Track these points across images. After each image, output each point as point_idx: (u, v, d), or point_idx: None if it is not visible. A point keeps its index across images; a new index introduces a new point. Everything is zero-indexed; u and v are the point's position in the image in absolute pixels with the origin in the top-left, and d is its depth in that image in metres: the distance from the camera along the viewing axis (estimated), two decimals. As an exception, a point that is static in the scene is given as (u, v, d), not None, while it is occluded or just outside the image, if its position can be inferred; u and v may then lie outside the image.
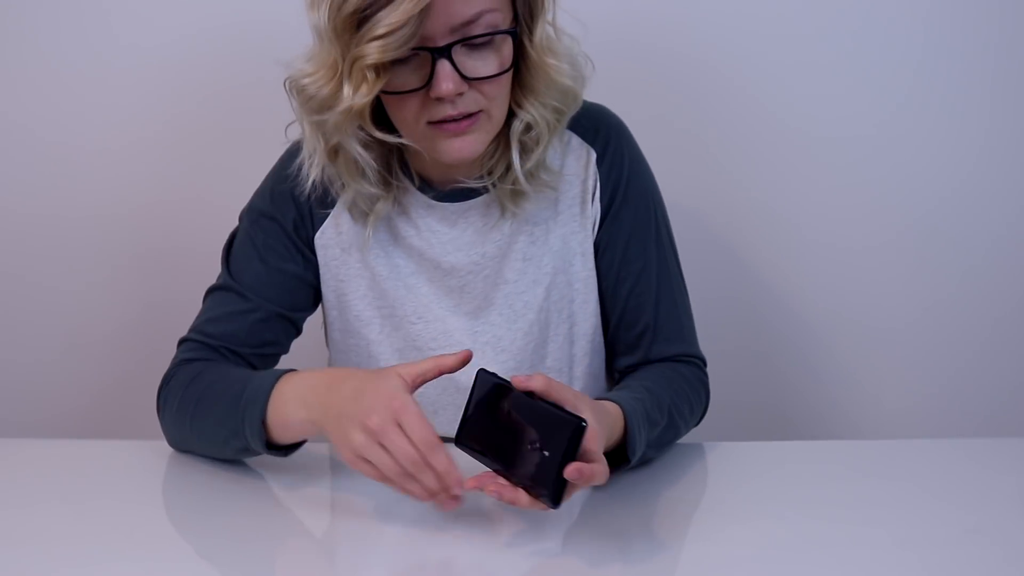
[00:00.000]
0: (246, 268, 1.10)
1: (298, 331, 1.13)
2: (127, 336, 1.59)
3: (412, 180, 1.08)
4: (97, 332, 1.59)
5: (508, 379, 0.87)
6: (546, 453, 0.82)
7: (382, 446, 0.83)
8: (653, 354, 1.10)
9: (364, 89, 0.93)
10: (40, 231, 1.56)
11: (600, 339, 1.14)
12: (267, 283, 1.09)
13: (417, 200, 1.09)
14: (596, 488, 1.00)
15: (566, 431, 0.81)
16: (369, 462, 0.84)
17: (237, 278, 1.10)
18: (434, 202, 1.09)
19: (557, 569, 0.85)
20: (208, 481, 1.02)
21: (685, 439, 1.09)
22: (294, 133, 1.07)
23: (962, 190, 1.48)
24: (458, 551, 0.87)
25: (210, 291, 1.12)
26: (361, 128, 0.99)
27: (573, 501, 0.97)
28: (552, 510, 0.82)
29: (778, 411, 1.56)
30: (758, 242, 1.52)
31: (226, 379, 1.01)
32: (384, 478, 0.85)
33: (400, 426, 0.83)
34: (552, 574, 0.84)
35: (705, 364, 1.13)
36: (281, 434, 0.96)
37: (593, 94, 1.08)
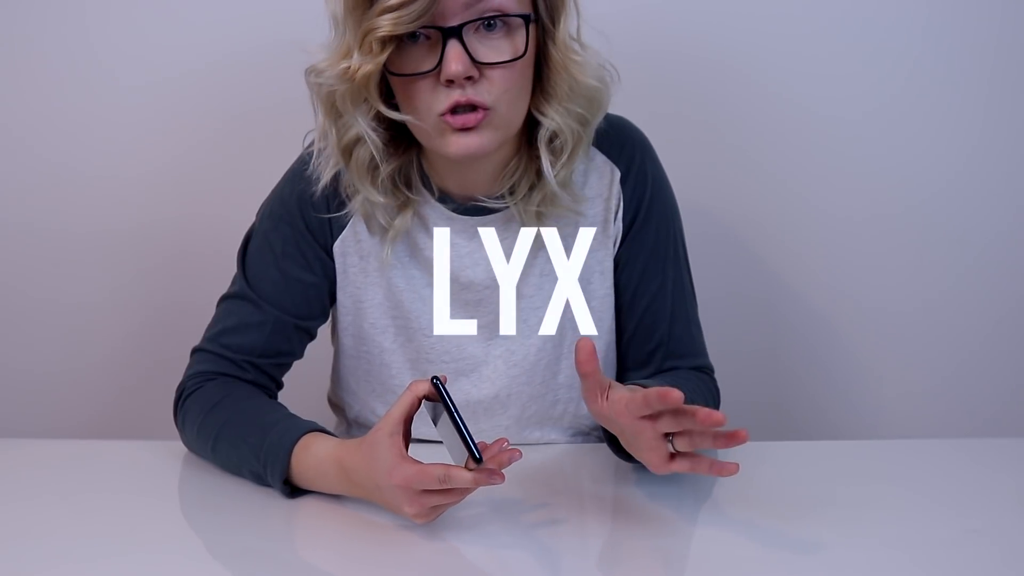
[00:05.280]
0: (263, 276, 1.09)
1: (312, 337, 1.13)
2: (130, 340, 1.59)
3: (432, 192, 1.07)
4: (101, 337, 1.58)
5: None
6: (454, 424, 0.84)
7: (430, 508, 0.88)
8: (665, 368, 1.11)
9: (372, 57, 0.93)
10: (47, 236, 1.56)
11: (613, 357, 1.13)
12: (284, 293, 1.08)
13: (436, 212, 1.07)
14: (594, 488, 1.01)
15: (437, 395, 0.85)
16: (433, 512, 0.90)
17: (254, 286, 1.09)
18: (454, 215, 1.07)
19: (558, 568, 0.85)
20: (208, 480, 1.02)
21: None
22: (311, 138, 1.07)
23: (965, 187, 1.48)
24: (461, 549, 0.87)
25: (225, 298, 1.11)
26: (371, 111, 0.98)
27: (574, 501, 0.97)
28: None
29: (777, 410, 1.56)
30: (758, 241, 1.52)
31: (243, 421, 1.02)
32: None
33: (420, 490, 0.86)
34: (552, 571, 0.84)
35: (713, 372, 1.14)
36: (307, 486, 0.98)
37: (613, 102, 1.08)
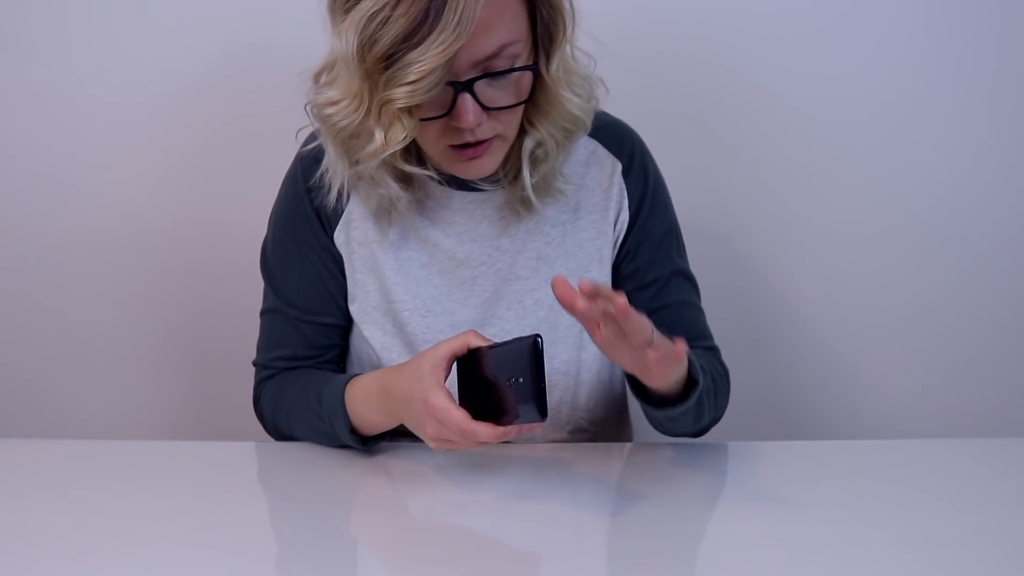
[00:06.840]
0: (287, 286, 1.14)
1: (351, 322, 1.15)
2: (130, 341, 1.59)
3: (428, 170, 1.08)
4: (101, 338, 1.59)
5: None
6: (520, 380, 0.88)
7: (445, 439, 0.94)
8: None
9: (398, 130, 0.94)
10: (48, 240, 1.56)
11: None
12: (311, 298, 1.13)
13: (434, 189, 1.09)
14: (592, 487, 1.01)
15: (525, 352, 0.88)
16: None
17: (282, 297, 1.14)
18: (452, 190, 1.09)
19: (555, 567, 0.85)
20: (207, 479, 1.02)
21: (680, 439, 1.09)
22: (304, 134, 1.08)
23: (963, 187, 1.48)
24: (456, 547, 0.87)
25: (263, 313, 1.17)
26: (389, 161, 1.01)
27: (571, 500, 0.97)
28: (541, 426, 0.88)
29: (777, 410, 1.56)
30: (756, 240, 1.52)
31: (304, 392, 1.10)
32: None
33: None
34: (552, 570, 0.84)
35: (719, 352, 1.16)
36: (371, 431, 1.05)
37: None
